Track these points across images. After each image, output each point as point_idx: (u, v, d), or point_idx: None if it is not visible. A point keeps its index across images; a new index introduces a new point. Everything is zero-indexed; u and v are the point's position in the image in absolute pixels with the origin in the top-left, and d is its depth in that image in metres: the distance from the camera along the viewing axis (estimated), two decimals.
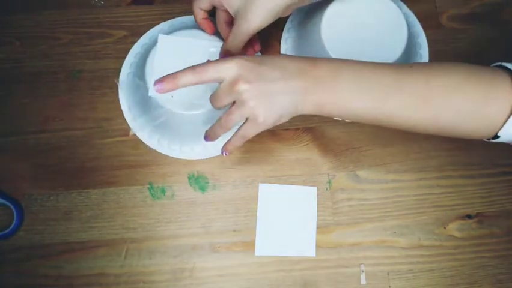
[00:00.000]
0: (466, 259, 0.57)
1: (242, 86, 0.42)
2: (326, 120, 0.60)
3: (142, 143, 0.58)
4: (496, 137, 0.44)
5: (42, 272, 0.54)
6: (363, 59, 0.54)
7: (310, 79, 0.43)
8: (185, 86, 0.43)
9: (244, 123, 0.45)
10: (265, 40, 0.63)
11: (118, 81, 0.58)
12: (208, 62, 0.44)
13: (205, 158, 0.58)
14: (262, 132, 0.59)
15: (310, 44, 0.59)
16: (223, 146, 0.48)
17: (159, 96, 0.52)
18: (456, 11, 0.66)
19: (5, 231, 0.54)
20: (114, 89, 0.60)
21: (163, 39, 0.53)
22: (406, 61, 0.59)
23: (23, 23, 0.62)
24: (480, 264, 0.57)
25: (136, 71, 0.58)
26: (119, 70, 0.60)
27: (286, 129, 0.60)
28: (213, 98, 0.45)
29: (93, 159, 0.58)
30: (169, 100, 0.52)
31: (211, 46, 0.54)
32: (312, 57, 0.45)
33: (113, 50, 0.61)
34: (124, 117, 0.59)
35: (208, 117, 0.53)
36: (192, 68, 0.43)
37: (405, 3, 0.64)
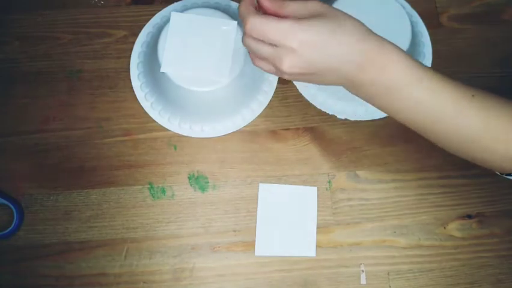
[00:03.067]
0: (466, 259, 0.57)
1: (288, 69, 0.40)
2: (326, 120, 0.60)
3: (142, 142, 0.58)
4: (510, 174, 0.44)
5: (42, 272, 0.54)
6: None
7: (361, 89, 0.43)
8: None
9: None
10: None
11: None
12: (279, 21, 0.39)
13: (213, 136, 0.58)
14: (262, 133, 0.60)
15: None
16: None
17: (171, 72, 0.53)
18: (456, 11, 0.66)
19: (5, 231, 0.54)
20: (114, 88, 0.60)
21: (175, 16, 0.54)
22: None
23: (22, 23, 0.62)
24: (480, 264, 0.57)
25: (147, 50, 0.59)
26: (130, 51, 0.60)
27: (287, 129, 0.60)
28: (252, 45, 0.42)
29: (93, 159, 0.58)
30: (181, 77, 0.53)
31: (223, 24, 0.54)
32: (383, 55, 0.41)
33: (113, 49, 0.61)
34: (124, 117, 0.59)
35: (219, 96, 0.54)
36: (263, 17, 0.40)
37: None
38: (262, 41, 0.40)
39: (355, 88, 0.43)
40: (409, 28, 0.56)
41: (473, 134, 0.42)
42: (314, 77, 0.42)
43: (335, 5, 0.56)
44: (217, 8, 0.57)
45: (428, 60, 0.62)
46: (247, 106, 0.59)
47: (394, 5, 0.57)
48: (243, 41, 0.42)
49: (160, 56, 0.54)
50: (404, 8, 0.57)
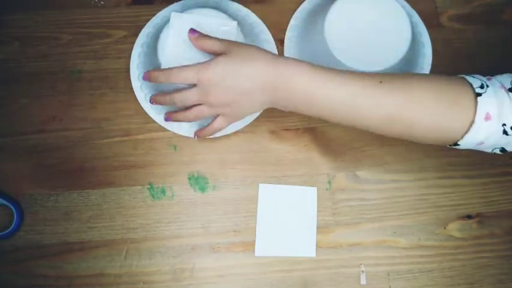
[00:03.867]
0: (466, 259, 0.57)
1: (210, 98, 0.49)
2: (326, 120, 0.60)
3: (142, 143, 0.58)
4: (456, 144, 0.46)
5: (42, 272, 0.54)
6: (366, 58, 0.55)
7: (278, 94, 0.48)
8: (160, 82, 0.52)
9: (216, 118, 0.53)
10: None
11: None
12: (181, 68, 0.50)
13: (214, 136, 0.58)
14: (262, 133, 0.60)
15: (313, 43, 0.59)
16: (196, 131, 0.56)
17: None
18: (456, 11, 0.66)
19: (5, 232, 0.54)
20: (114, 89, 0.60)
21: (175, 17, 0.54)
22: (410, 60, 0.59)
23: (22, 23, 0.62)
24: (480, 264, 0.57)
25: (147, 50, 0.59)
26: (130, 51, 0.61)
27: (287, 130, 0.60)
28: (178, 98, 0.51)
29: (93, 160, 0.58)
30: None
31: (223, 25, 0.54)
32: (288, 71, 0.47)
33: (113, 50, 0.61)
34: (124, 117, 0.59)
35: None
36: (168, 70, 0.50)
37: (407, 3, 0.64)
38: (186, 88, 0.50)
39: (279, 105, 0.50)
40: (409, 28, 0.56)
41: (393, 113, 0.45)
42: (239, 103, 0.49)
43: (335, 7, 0.56)
44: (216, 8, 0.57)
45: (428, 60, 0.62)
46: None
47: (394, 6, 0.57)
48: (173, 99, 0.52)
49: (160, 56, 0.54)
50: (404, 8, 0.57)
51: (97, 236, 0.56)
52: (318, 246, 0.56)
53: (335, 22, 0.56)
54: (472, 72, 0.61)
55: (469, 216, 0.58)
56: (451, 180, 0.59)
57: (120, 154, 0.58)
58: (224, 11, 0.56)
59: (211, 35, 0.52)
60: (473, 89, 0.44)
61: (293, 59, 0.47)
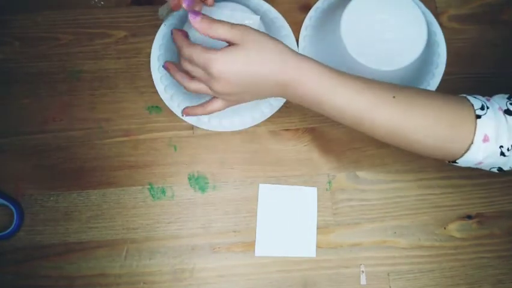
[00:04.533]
0: (466, 259, 0.57)
1: (216, 87, 0.45)
2: (326, 120, 0.60)
3: (142, 143, 0.58)
4: (455, 162, 0.47)
5: (42, 272, 0.54)
6: (383, 57, 0.55)
7: (288, 92, 0.46)
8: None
9: (214, 98, 0.49)
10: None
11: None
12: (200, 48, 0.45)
13: (231, 130, 0.59)
14: (262, 133, 0.60)
15: (329, 42, 0.59)
16: (186, 109, 0.52)
17: None
18: (456, 11, 0.66)
19: (5, 232, 0.54)
20: (114, 89, 0.60)
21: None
22: (425, 60, 0.59)
23: (22, 23, 0.62)
24: (480, 264, 0.57)
25: (168, 43, 0.59)
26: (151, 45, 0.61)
27: (287, 130, 0.60)
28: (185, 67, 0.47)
29: (93, 160, 0.58)
30: None
31: (246, 18, 0.54)
32: (299, 71, 0.45)
33: (113, 50, 0.61)
34: (124, 117, 0.59)
35: None
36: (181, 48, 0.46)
37: None
38: (197, 65, 0.45)
39: (289, 99, 0.48)
40: (425, 28, 0.56)
41: (396, 128, 0.45)
42: (243, 94, 0.47)
43: (350, 6, 0.56)
44: (238, 2, 0.56)
45: (442, 59, 0.62)
46: (262, 104, 0.60)
47: (410, 5, 0.57)
48: (182, 65, 0.48)
49: None
50: (419, 7, 0.57)
51: (97, 236, 0.56)
52: (318, 246, 0.57)
53: (351, 21, 0.56)
54: (472, 72, 0.62)
55: (468, 217, 0.58)
56: (450, 180, 0.59)
57: (120, 154, 0.58)
58: (245, 5, 0.56)
59: None
60: (474, 111, 0.45)
61: (308, 58, 0.46)
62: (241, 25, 0.44)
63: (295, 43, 0.62)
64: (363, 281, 0.56)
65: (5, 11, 0.62)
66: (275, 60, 0.44)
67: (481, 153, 0.44)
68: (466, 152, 0.45)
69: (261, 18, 0.55)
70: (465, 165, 0.47)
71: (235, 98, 0.48)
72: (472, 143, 0.44)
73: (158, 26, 0.61)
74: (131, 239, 0.56)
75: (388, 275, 0.56)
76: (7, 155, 0.58)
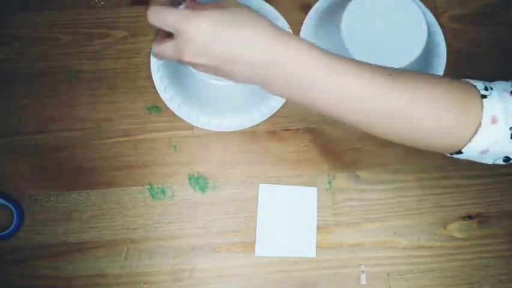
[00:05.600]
0: (467, 259, 0.57)
1: (185, 57, 0.39)
2: (326, 120, 0.60)
3: (142, 143, 0.58)
4: (459, 152, 0.43)
5: (42, 272, 0.54)
6: (383, 57, 0.54)
7: (271, 73, 0.40)
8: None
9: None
10: None
11: None
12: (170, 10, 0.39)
13: (231, 130, 0.59)
14: (262, 133, 0.60)
15: (329, 42, 0.58)
16: (154, 49, 0.42)
17: None
18: (456, 11, 0.66)
19: (5, 232, 0.54)
20: (114, 89, 0.60)
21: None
22: (425, 60, 0.59)
23: (22, 23, 0.62)
24: (481, 264, 0.57)
25: None
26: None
27: (287, 130, 0.60)
28: (156, 50, 0.41)
29: (93, 160, 0.58)
30: None
31: None
32: (288, 46, 0.39)
33: (113, 50, 0.61)
34: (123, 117, 0.59)
35: (241, 90, 0.53)
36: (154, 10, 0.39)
37: None
38: (169, 25, 0.38)
39: (267, 84, 0.41)
40: (425, 28, 0.56)
41: (401, 111, 0.41)
42: (222, 70, 0.40)
43: (351, 6, 0.56)
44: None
45: (442, 60, 0.62)
46: (261, 104, 0.60)
47: (410, 5, 0.57)
48: (148, 18, 0.39)
49: None
50: (419, 7, 0.57)
51: (97, 236, 0.56)
52: (318, 246, 0.56)
53: (351, 21, 0.56)
54: (472, 72, 0.62)
55: (469, 217, 0.58)
56: (451, 180, 0.59)
57: (120, 154, 0.58)
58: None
59: None
60: (479, 91, 0.42)
61: (298, 37, 0.40)
62: None
63: None
64: (363, 281, 0.56)
65: (5, 10, 0.62)
66: (262, 27, 0.38)
67: (490, 136, 0.40)
68: (473, 136, 0.41)
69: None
70: (467, 157, 0.44)
71: (205, 70, 0.41)
72: (480, 125, 0.40)
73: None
74: (131, 239, 0.56)
75: (388, 275, 0.56)
76: (7, 155, 0.58)
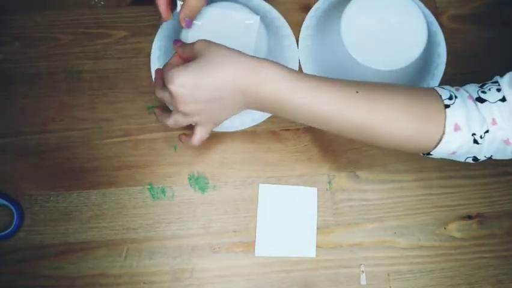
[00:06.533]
0: (466, 259, 0.57)
1: (180, 107, 0.45)
2: None
3: (142, 143, 0.58)
4: (429, 153, 0.47)
5: (42, 272, 0.54)
6: (383, 57, 0.55)
7: (247, 100, 0.45)
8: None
9: (196, 128, 0.49)
10: None
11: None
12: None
13: (231, 130, 0.59)
14: (262, 133, 0.60)
15: (329, 43, 0.59)
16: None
17: None
18: (456, 11, 0.66)
19: (5, 232, 0.54)
20: (114, 89, 0.60)
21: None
22: (425, 60, 0.59)
23: (22, 23, 0.62)
24: (480, 264, 0.57)
25: (167, 44, 0.59)
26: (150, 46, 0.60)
27: (287, 130, 0.60)
28: (159, 95, 0.49)
29: (93, 160, 0.58)
30: None
31: (246, 18, 0.54)
32: (256, 74, 0.44)
33: (113, 50, 0.61)
34: (124, 117, 0.59)
35: None
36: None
37: None
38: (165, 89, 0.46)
39: (255, 109, 0.47)
40: (425, 28, 0.56)
41: (362, 124, 0.45)
42: (210, 111, 0.46)
43: (351, 6, 0.56)
44: (237, 2, 0.56)
45: (442, 59, 0.62)
46: None
47: (410, 5, 0.57)
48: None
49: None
50: (419, 7, 0.57)
51: (97, 236, 0.56)
52: (318, 246, 0.57)
53: (351, 21, 0.56)
54: (471, 72, 0.62)
55: (469, 217, 0.58)
56: (451, 180, 0.59)
57: (120, 154, 0.58)
58: (245, 5, 0.56)
59: (234, 28, 0.51)
60: (442, 101, 0.44)
61: (267, 61, 0.45)
62: (201, 40, 0.45)
63: (296, 43, 0.62)
64: (363, 281, 0.56)
65: (5, 10, 0.62)
66: (227, 68, 0.44)
67: (454, 142, 0.44)
68: (438, 142, 0.44)
69: (261, 18, 0.55)
70: (439, 157, 0.47)
71: (202, 117, 0.47)
72: (444, 133, 0.44)
73: (158, 26, 0.61)
74: (131, 239, 0.56)
75: (388, 275, 0.56)
76: (7, 155, 0.58)
